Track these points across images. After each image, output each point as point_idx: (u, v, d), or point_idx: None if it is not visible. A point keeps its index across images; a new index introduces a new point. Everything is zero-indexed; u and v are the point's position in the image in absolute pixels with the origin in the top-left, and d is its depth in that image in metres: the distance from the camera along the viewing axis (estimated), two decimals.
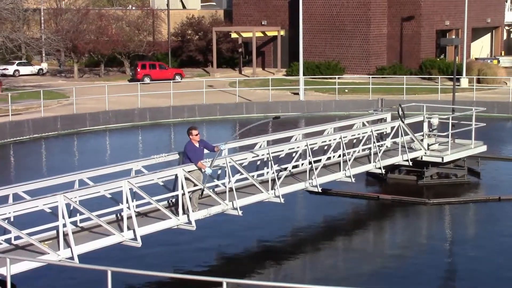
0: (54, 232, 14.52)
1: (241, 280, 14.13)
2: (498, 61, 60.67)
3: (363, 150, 21.59)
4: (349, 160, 20.27)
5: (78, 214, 15.05)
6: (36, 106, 38.95)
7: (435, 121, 23.77)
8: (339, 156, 20.41)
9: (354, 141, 21.87)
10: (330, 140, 20.50)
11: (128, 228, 14.89)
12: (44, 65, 65.15)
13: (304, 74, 46.40)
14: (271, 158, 18.04)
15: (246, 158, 18.07)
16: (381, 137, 22.86)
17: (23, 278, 14.02)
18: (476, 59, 61.22)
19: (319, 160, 19.91)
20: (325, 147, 20.79)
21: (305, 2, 51.19)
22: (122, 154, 28.84)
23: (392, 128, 22.57)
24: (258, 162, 19.14)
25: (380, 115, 23.99)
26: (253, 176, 18.09)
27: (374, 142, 21.40)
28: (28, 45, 49.38)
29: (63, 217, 13.69)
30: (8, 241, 14.16)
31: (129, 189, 14.80)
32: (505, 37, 72.41)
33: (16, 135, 33.75)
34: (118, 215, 15.77)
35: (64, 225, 13.74)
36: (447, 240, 19.11)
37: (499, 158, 28.28)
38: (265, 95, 45.11)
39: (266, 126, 34.58)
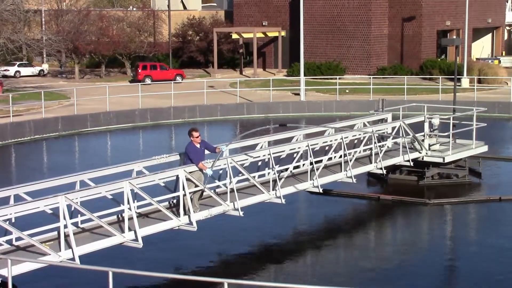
0: (55, 233, 14.52)
1: (242, 280, 14.12)
2: (499, 61, 60.70)
3: (364, 150, 21.60)
4: (350, 160, 20.28)
5: (79, 215, 15.06)
6: (37, 107, 38.94)
7: (436, 121, 23.75)
8: (340, 156, 20.42)
9: (355, 141, 21.87)
10: (331, 141, 20.50)
11: (129, 229, 14.90)
12: (45, 66, 65.19)
13: (305, 75, 46.36)
14: (272, 159, 18.06)
15: (247, 159, 18.07)
16: (382, 137, 22.85)
17: (24, 279, 14.01)
18: (477, 59, 61.22)
19: (320, 161, 19.91)
20: (326, 148, 20.79)
21: (305, 3, 51.16)
22: (123, 155, 28.82)
23: (393, 128, 22.59)
24: (259, 163, 19.15)
25: (381, 116, 23.99)
26: (254, 176, 18.09)
27: (375, 143, 21.40)
28: (29, 46, 49.40)
29: (64, 218, 13.70)
30: (9, 242, 14.15)
31: (130, 190, 14.81)
32: (505, 37, 72.40)
33: (17, 136, 33.74)
34: (119, 216, 15.77)
35: (65, 226, 13.76)
36: (447, 240, 19.11)
37: (500, 158, 28.27)
38: (266, 96, 45.12)
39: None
